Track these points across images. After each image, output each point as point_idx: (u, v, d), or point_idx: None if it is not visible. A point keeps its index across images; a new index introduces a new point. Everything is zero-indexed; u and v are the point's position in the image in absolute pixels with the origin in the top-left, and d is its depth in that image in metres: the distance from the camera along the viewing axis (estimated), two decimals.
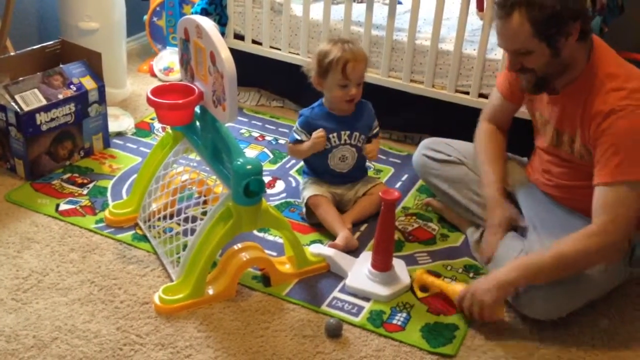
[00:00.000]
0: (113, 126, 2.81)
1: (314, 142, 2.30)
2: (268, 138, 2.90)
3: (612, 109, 1.81)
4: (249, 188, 1.86)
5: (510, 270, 1.89)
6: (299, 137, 2.34)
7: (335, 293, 2.06)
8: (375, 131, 2.42)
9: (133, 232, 2.26)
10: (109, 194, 2.46)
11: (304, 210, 2.36)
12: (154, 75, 3.40)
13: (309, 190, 2.35)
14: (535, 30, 1.80)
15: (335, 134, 2.33)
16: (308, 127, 2.33)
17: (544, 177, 2.15)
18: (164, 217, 2.17)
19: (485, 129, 2.30)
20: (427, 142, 2.45)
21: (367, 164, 2.53)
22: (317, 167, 2.41)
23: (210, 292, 1.99)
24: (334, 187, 2.39)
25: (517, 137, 2.35)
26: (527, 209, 2.17)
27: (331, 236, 2.27)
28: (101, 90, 2.63)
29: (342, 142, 2.34)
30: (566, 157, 2.04)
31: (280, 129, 2.97)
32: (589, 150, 1.92)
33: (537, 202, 2.15)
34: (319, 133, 2.29)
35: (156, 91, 2.07)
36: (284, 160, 2.74)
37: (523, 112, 2.27)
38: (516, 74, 1.97)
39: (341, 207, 2.40)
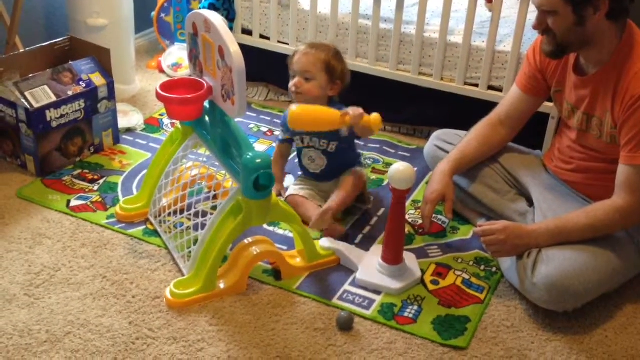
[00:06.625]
0: (122, 122, 2.82)
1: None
2: (277, 133, 2.90)
3: None
4: (259, 182, 1.86)
5: (544, 237, 1.96)
6: (281, 137, 2.41)
7: (346, 286, 2.06)
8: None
9: (144, 227, 2.27)
10: (119, 189, 2.47)
11: None
12: (162, 71, 3.40)
13: (290, 189, 2.39)
14: None
15: (301, 136, 2.34)
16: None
17: (563, 162, 2.16)
18: (175, 212, 2.18)
19: (488, 118, 2.30)
20: (439, 133, 2.46)
21: (366, 159, 2.50)
22: (300, 164, 2.44)
23: (222, 286, 1.99)
24: (321, 184, 2.40)
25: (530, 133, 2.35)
26: (539, 200, 2.16)
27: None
28: (110, 86, 2.64)
29: (306, 144, 2.35)
30: (592, 145, 2.05)
31: None
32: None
33: (548, 192, 2.15)
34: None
35: (165, 86, 2.08)
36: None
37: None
38: (540, 34, 2.00)
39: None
